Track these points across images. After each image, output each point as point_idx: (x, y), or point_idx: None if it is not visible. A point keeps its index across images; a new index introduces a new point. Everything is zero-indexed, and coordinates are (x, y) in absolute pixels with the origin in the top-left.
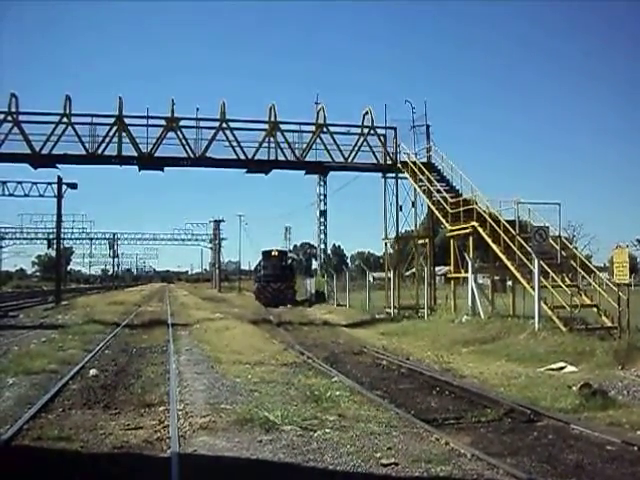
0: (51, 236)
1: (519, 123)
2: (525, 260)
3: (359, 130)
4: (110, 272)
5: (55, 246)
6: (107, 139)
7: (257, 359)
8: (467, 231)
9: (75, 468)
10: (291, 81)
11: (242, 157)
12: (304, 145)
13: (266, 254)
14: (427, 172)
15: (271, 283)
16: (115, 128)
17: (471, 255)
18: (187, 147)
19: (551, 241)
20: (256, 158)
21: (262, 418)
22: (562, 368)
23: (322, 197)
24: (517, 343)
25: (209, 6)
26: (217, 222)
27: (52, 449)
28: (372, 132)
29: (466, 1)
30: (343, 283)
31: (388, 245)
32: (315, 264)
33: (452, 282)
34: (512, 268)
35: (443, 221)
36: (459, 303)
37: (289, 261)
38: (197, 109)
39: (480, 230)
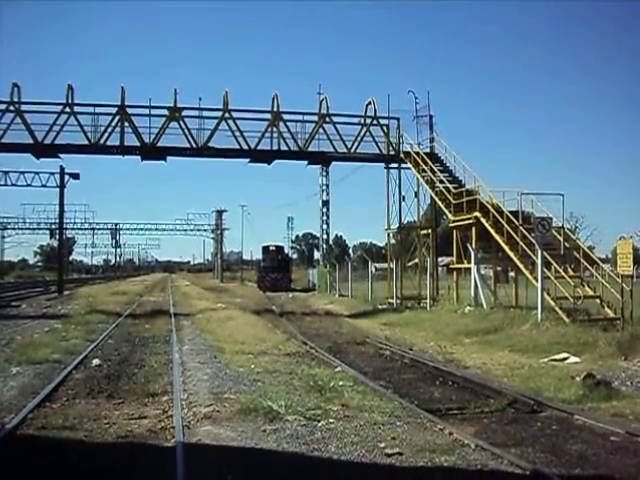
0: (53, 226)
1: (522, 116)
2: (528, 251)
3: (362, 120)
4: (112, 262)
5: (57, 236)
6: (109, 129)
7: (260, 349)
8: (470, 222)
9: (79, 457)
10: (294, 72)
11: (245, 147)
12: (307, 135)
13: (265, 249)
14: (430, 162)
15: (269, 273)
16: (117, 118)
17: (474, 246)
18: (190, 137)
19: (554, 232)
20: (259, 148)
21: (266, 408)
22: (565, 359)
23: (324, 187)
24: (520, 334)
25: None
26: (219, 212)
27: (56, 438)
28: (375, 122)
29: None
30: (345, 273)
31: (390, 235)
32: (317, 254)
33: (455, 273)
34: (515, 259)
35: (446, 212)
36: (462, 294)
37: (285, 254)
38: (200, 99)
39: (483, 221)
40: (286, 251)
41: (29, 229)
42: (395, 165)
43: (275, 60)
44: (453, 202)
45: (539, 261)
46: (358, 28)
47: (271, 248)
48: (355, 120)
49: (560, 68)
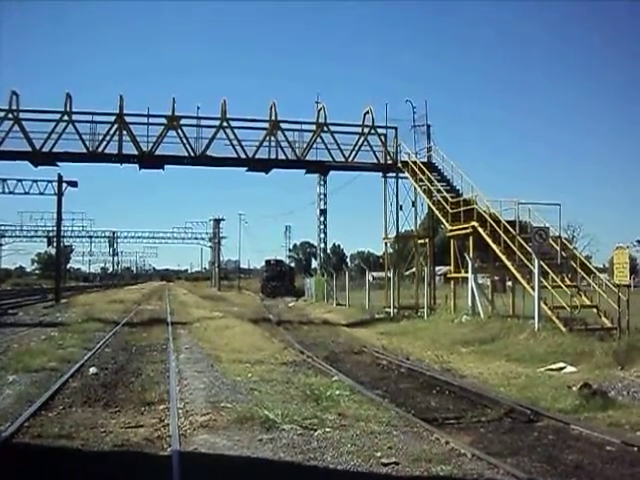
0: (51, 234)
1: (519, 123)
2: (525, 260)
3: (359, 129)
4: (110, 270)
5: (55, 244)
6: (108, 137)
7: (257, 358)
8: (467, 231)
9: (75, 466)
10: (292, 80)
11: (243, 156)
12: (304, 144)
13: (267, 262)
14: (427, 172)
15: (270, 282)
16: (116, 126)
17: (471, 255)
18: (188, 146)
19: (551, 241)
20: (257, 157)
21: (262, 417)
22: (562, 368)
23: (322, 196)
24: (517, 343)
25: (210, 5)
26: (217, 221)
27: (52, 447)
28: (373, 131)
29: (466, 1)
30: (343, 282)
31: (388, 245)
32: (315, 263)
33: (452, 282)
34: (512, 268)
35: (443, 221)
36: (459, 303)
37: (284, 267)
38: (198, 108)
39: (480, 230)
40: (286, 262)
41: (26, 237)
42: (393, 174)
43: (273, 68)
44: (450, 211)
45: (536, 271)
46: (357, 36)
47: (272, 261)
48: (353, 129)
49: (558, 73)
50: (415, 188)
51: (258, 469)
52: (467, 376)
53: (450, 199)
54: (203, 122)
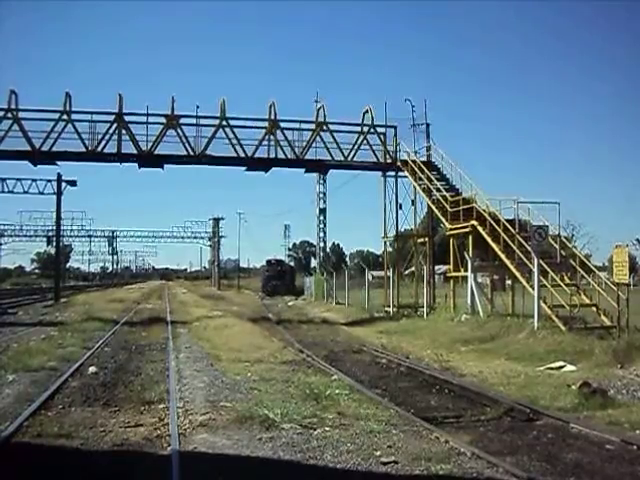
0: (50, 233)
1: (518, 121)
2: (524, 259)
3: (359, 128)
4: (109, 269)
5: (54, 243)
6: (107, 136)
7: (256, 357)
8: (467, 230)
9: (75, 465)
10: (291, 79)
11: (242, 155)
12: (304, 143)
13: (268, 261)
14: (427, 171)
15: (271, 281)
16: (115, 125)
17: (470, 254)
18: (187, 145)
19: (550, 240)
20: (256, 156)
21: (262, 416)
22: (561, 367)
23: (322, 195)
24: (516, 342)
25: (209, 4)
26: (216, 220)
27: (52, 446)
28: (372, 130)
29: (466, 1)
30: (342, 281)
31: (387, 244)
32: (314, 262)
33: (451, 281)
34: (511, 267)
35: (443, 220)
36: (458, 302)
37: (284, 266)
38: (197, 107)
39: (480, 229)
40: (286, 262)
41: (26, 236)
42: (392, 173)
43: (273, 67)
44: (450, 210)
45: (536, 269)
46: (356, 35)
47: (273, 261)
48: (352, 128)
49: (559, 72)
50: (414, 187)
51: (258, 468)
52: (466, 375)
53: (449, 198)
54: (202, 121)
